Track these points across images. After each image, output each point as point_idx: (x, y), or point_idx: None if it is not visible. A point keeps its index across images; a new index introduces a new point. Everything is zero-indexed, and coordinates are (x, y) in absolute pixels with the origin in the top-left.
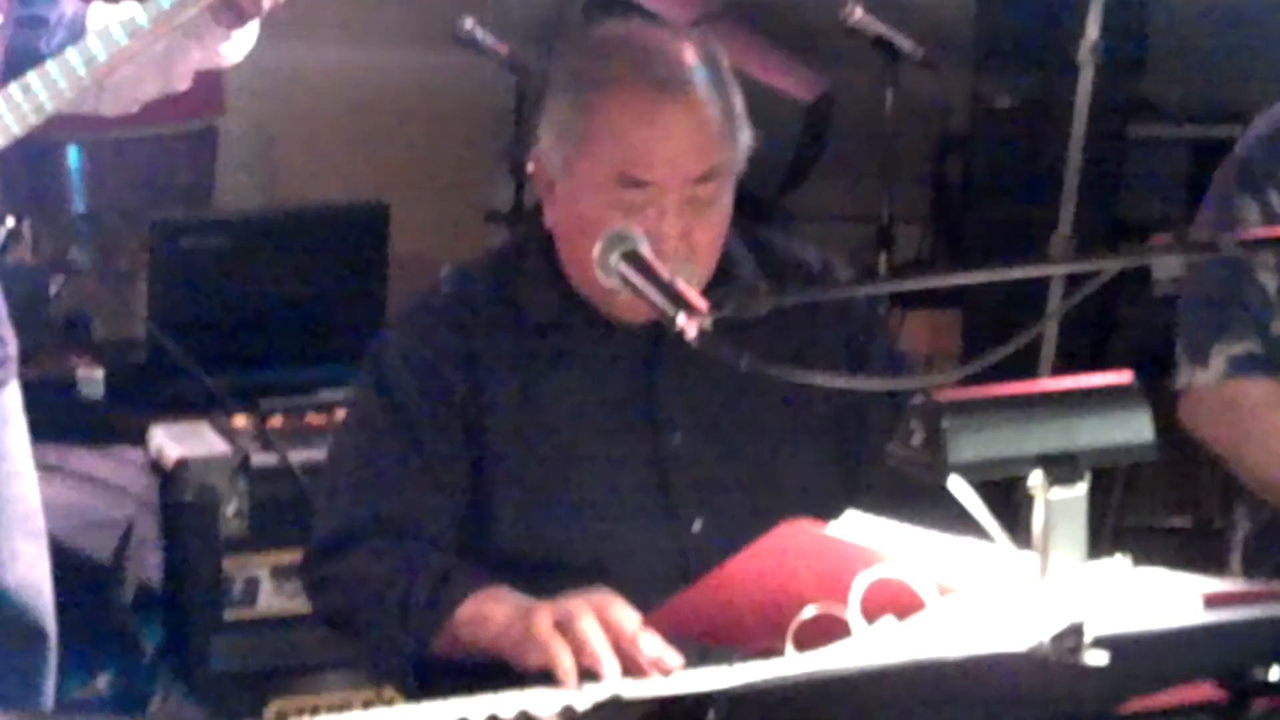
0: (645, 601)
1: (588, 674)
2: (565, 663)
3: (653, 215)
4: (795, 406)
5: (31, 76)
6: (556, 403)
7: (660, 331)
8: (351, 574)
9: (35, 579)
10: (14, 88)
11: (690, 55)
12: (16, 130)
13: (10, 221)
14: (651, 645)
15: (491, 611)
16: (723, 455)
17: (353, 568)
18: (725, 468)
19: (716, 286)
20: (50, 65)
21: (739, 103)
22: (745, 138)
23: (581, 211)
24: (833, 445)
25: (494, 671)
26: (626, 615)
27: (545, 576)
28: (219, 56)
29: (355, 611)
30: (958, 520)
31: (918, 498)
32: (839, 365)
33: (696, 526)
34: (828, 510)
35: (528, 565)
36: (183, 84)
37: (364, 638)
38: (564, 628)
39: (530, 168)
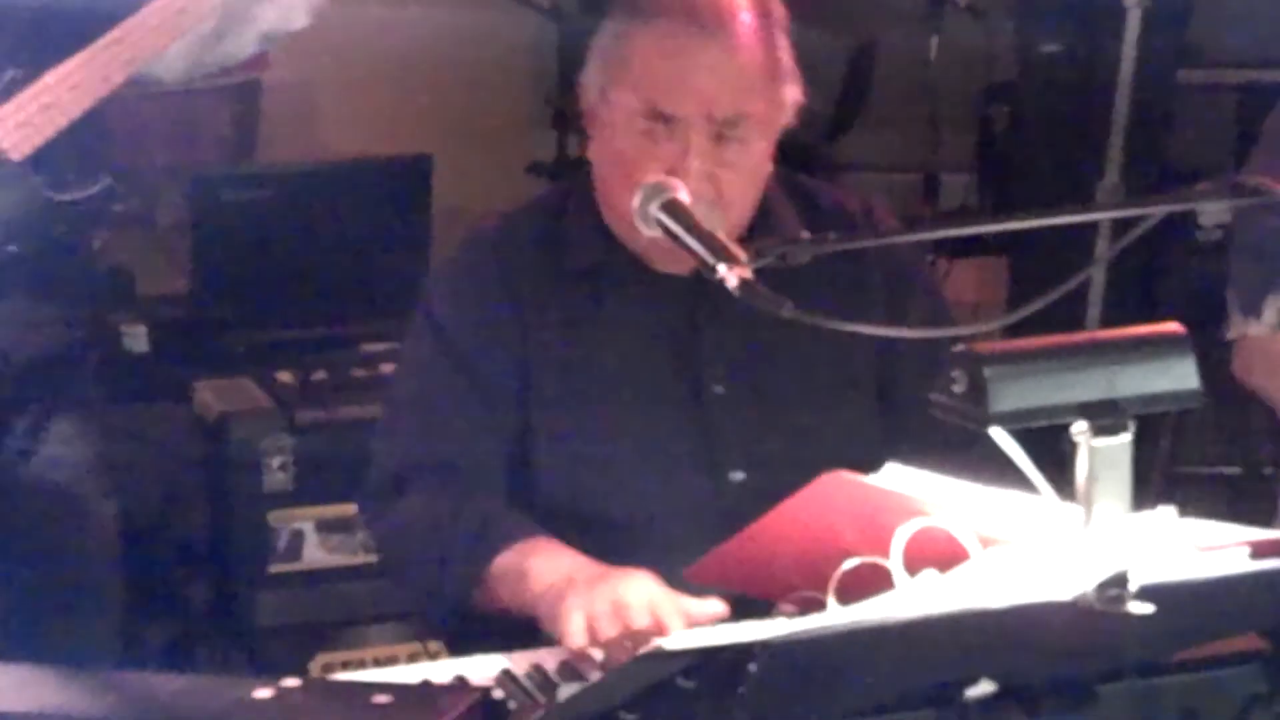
0: (685, 551)
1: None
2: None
3: (676, 151)
4: (836, 356)
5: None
6: (599, 350)
7: (703, 282)
8: (402, 522)
9: None
10: (101, 44)
11: (739, 0)
12: (102, 89)
13: (105, 180)
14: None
15: (532, 570)
16: (764, 406)
17: (403, 515)
18: (766, 418)
19: (756, 236)
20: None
21: (786, 57)
22: (791, 93)
23: (614, 142)
24: (873, 394)
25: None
26: (667, 610)
27: (585, 524)
28: (290, 19)
29: (404, 556)
30: (1001, 469)
31: (958, 446)
32: (879, 311)
33: (737, 477)
34: (868, 459)
35: (568, 512)
36: (248, 50)
37: (412, 583)
38: (593, 620)
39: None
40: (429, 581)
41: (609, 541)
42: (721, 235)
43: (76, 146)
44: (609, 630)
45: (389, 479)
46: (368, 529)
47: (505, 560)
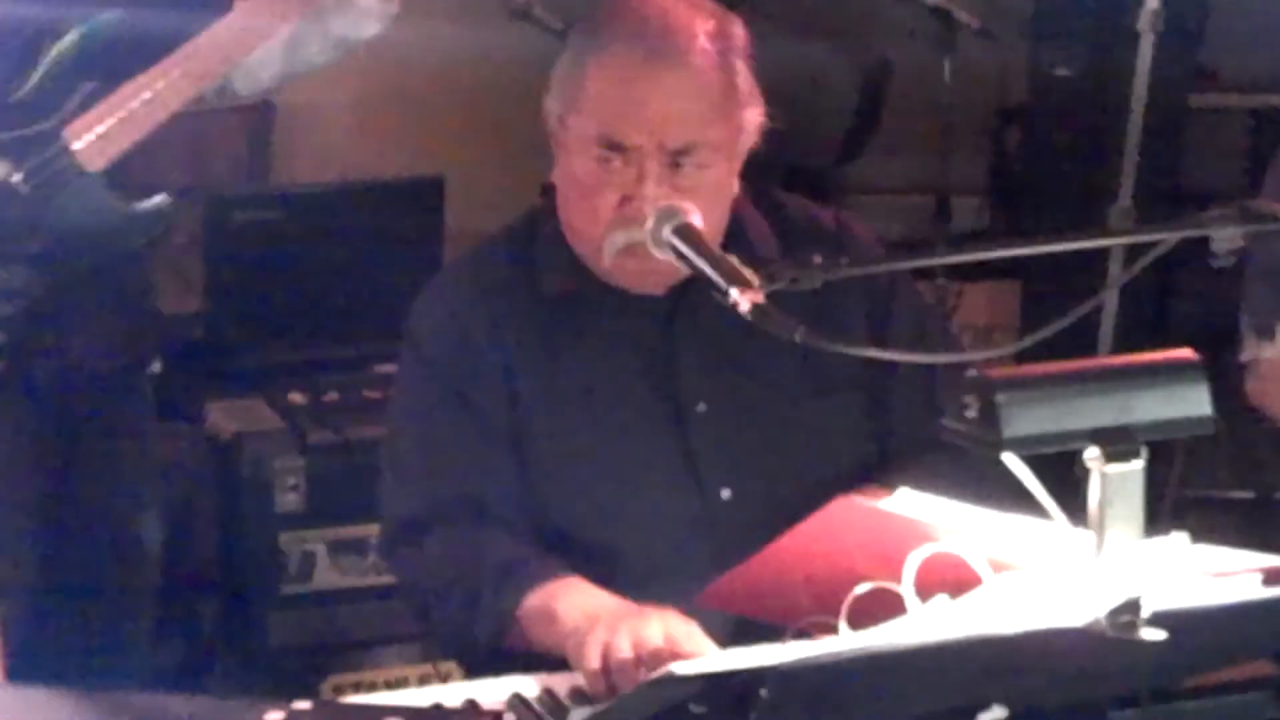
0: (677, 573)
1: None
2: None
3: (632, 178)
4: (817, 370)
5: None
6: (580, 376)
7: (676, 301)
8: (425, 563)
9: None
10: (175, 58)
11: (696, 25)
12: (176, 102)
13: (162, 197)
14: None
15: (559, 610)
16: (747, 423)
17: (426, 558)
18: (750, 435)
19: (729, 254)
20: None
21: (745, 81)
22: (752, 116)
23: (572, 168)
24: (858, 403)
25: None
26: (685, 646)
27: (577, 550)
28: (362, 27)
29: (429, 600)
30: (1000, 487)
31: (955, 458)
32: (861, 319)
33: (725, 494)
34: (856, 469)
35: (560, 539)
36: (320, 59)
37: (444, 631)
38: (608, 650)
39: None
40: (460, 625)
41: (601, 566)
42: (733, 259)
43: (143, 160)
44: (624, 659)
45: (406, 525)
46: (386, 562)
47: (533, 601)
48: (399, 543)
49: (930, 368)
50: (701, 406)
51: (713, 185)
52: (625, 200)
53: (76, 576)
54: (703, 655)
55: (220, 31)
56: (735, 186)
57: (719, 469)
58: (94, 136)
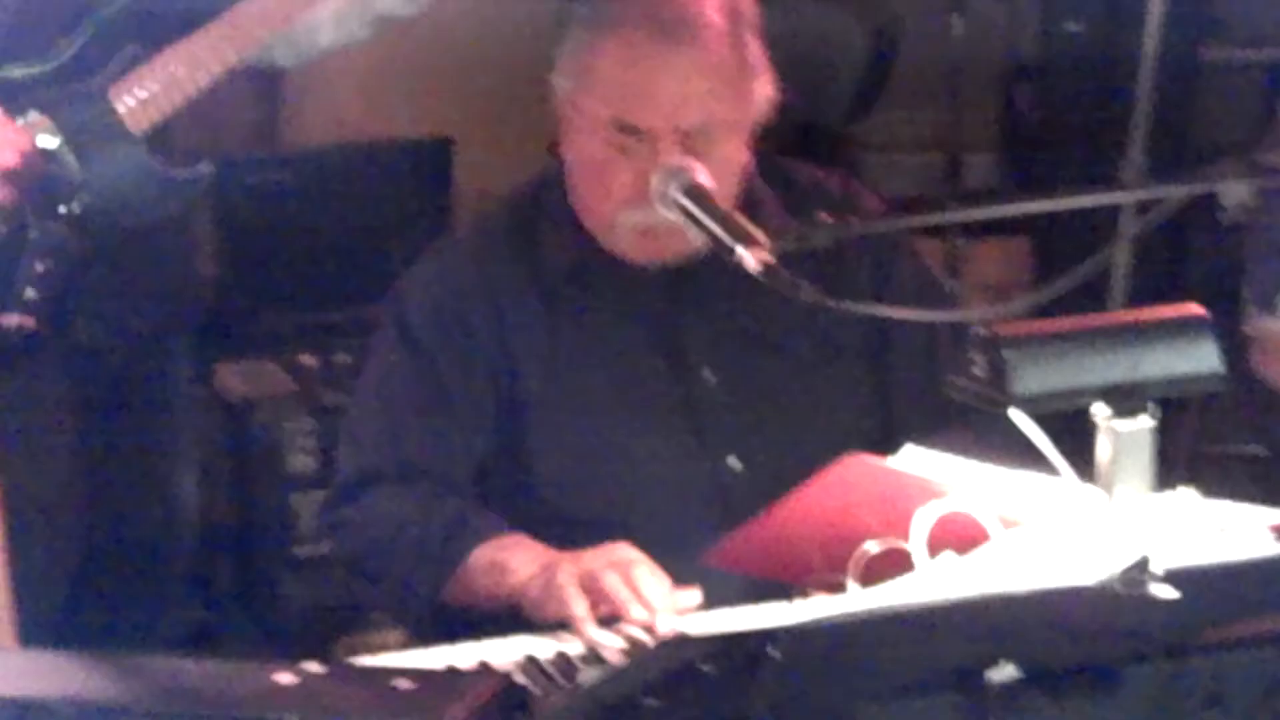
0: (688, 542)
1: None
2: (580, 610)
3: (646, 158)
4: (822, 334)
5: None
6: (586, 350)
7: (683, 272)
8: (368, 517)
9: None
10: (219, 24)
11: (706, 2)
12: (219, 69)
13: (205, 164)
14: (667, 621)
15: (511, 562)
16: (754, 391)
17: (370, 510)
18: (757, 403)
19: None
20: None
21: (756, 55)
22: (762, 89)
23: (581, 148)
24: (864, 373)
25: (507, 626)
26: (649, 577)
27: (587, 524)
28: (407, 4)
29: (371, 555)
30: (1011, 445)
31: (962, 421)
32: (864, 282)
33: (734, 464)
34: (864, 435)
35: (566, 513)
36: (364, 32)
37: (379, 581)
38: (588, 583)
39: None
40: (399, 578)
41: (611, 539)
42: (741, 218)
43: (186, 127)
44: (602, 575)
45: (354, 480)
46: (328, 529)
47: (481, 554)
48: (340, 504)
49: (932, 333)
50: (708, 375)
51: (726, 160)
52: (638, 179)
53: (112, 537)
54: (649, 586)
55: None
56: (747, 159)
57: (727, 438)
58: (138, 100)
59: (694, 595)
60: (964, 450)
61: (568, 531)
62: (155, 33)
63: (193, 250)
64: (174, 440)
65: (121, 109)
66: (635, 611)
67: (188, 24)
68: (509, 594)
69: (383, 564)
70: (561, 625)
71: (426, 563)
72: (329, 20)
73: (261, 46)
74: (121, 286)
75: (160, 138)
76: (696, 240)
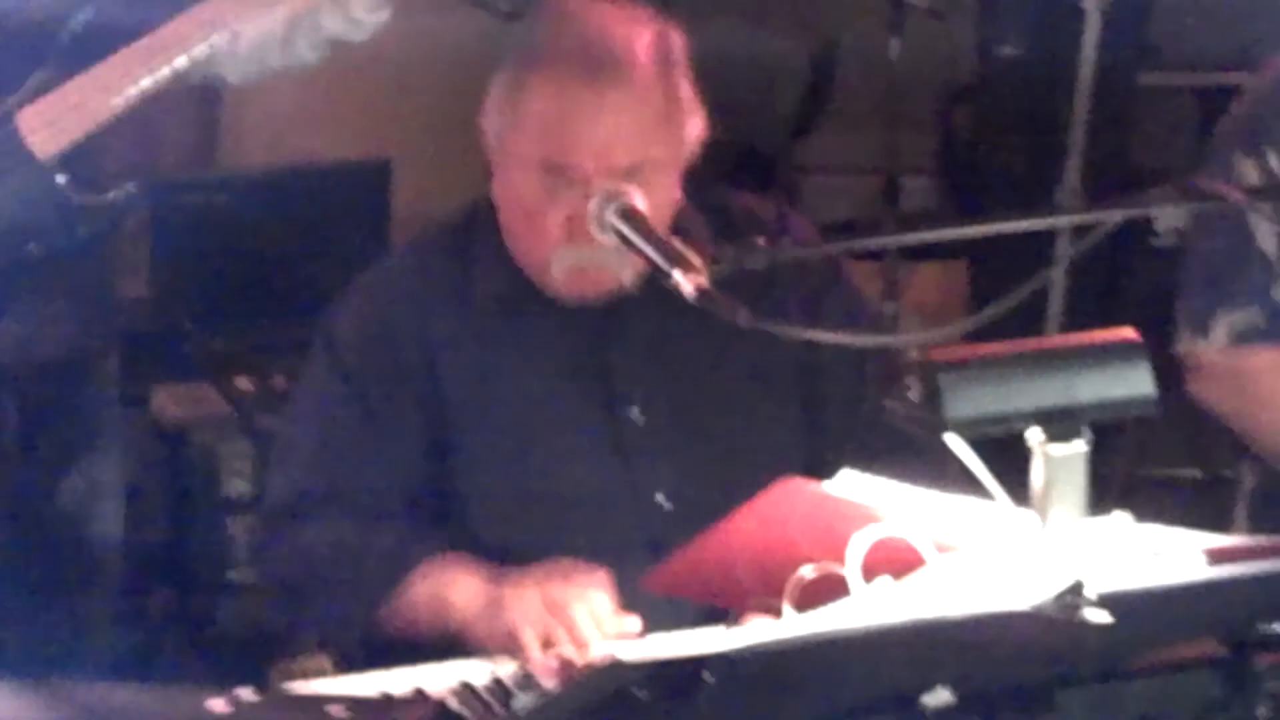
0: (617, 577)
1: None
2: (535, 653)
3: (577, 199)
4: (753, 372)
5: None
6: (513, 380)
7: (612, 310)
8: (299, 545)
9: None
10: (133, 49)
11: (636, 41)
12: (133, 93)
13: (122, 190)
14: (600, 647)
15: (451, 596)
16: (683, 429)
17: (301, 539)
18: (686, 441)
19: None
20: None
21: (687, 93)
22: (694, 127)
23: (512, 188)
24: (795, 406)
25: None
26: (596, 602)
27: (513, 558)
28: (360, 27)
29: (304, 583)
30: (941, 481)
31: (893, 457)
32: (793, 314)
33: (662, 504)
34: (793, 473)
35: (495, 543)
36: (312, 55)
37: (310, 610)
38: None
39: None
40: (332, 608)
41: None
42: (676, 242)
43: (103, 151)
44: (562, 624)
45: (283, 507)
46: (256, 555)
47: (421, 586)
48: (268, 531)
49: (863, 363)
50: (636, 414)
51: (657, 199)
52: (571, 220)
53: (33, 567)
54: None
55: (181, 23)
56: (678, 195)
57: (655, 476)
58: (46, 124)
59: (634, 623)
60: (898, 477)
61: (498, 560)
62: (66, 58)
63: (110, 274)
64: (99, 463)
65: (28, 134)
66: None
67: (101, 49)
68: (452, 629)
69: (314, 593)
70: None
71: (360, 593)
72: (276, 42)
73: (178, 69)
74: (32, 313)
75: (79, 161)
76: (627, 277)
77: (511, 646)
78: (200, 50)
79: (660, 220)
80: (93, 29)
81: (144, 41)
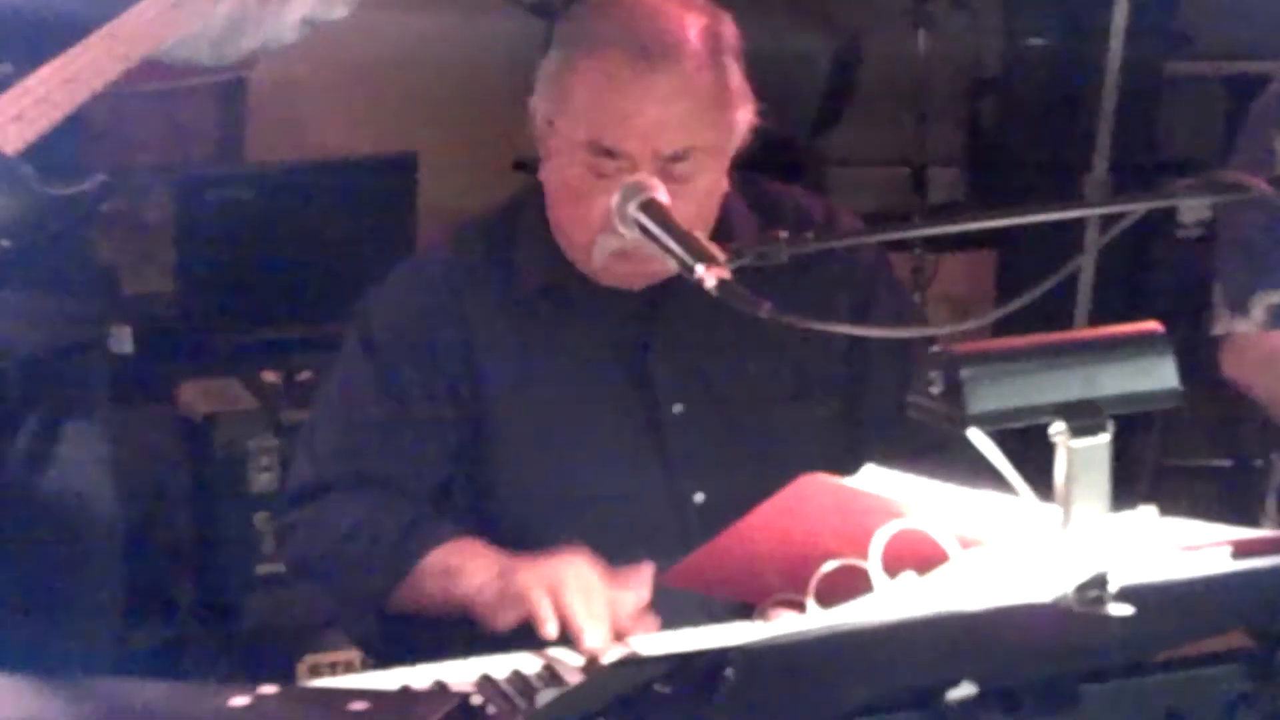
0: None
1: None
2: (545, 611)
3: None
4: (796, 368)
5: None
6: (553, 374)
7: (655, 300)
8: (320, 521)
9: None
10: (96, 38)
11: (688, 25)
12: (97, 83)
13: (100, 176)
14: (595, 636)
15: (465, 566)
16: (724, 425)
17: (322, 515)
18: (726, 438)
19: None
20: None
21: (738, 81)
22: (743, 116)
23: (559, 171)
24: (836, 404)
25: (457, 636)
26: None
27: (542, 546)
28: (332, 6)
29: (321, 559)
30: (977, 472)
31: (930, 452)
32: (843, 318)
33: (698, 498)
34: (833, 471)
35: (524, 534)
36: (288, 35)
37: (329, 586)
38: (546, 588)
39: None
40: (350, 583)
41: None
42: (699, 236)
43: (72, 141)
44: (572, 598)
45: (307, 486)
46: (280, 535)
47: (434, 559)
48: (292, 509)
49: (908, 366)
50: (678, 408)
51: (704, 187)
52: (609, 206)
53: (34, 562)
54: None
55: (146, 10)
56: (725, 185)
57: (693, 472)
58: (10, 119)
59: (651, 623)
60: (939, 476)
61: (524, 552)
62: (29, 51)
63: (92, 264)
64: (91, 459)
65: None
66: (589, 637)
67: (63, 41)
68: (461, 599)
69: (333, 569)
70: (511, 636)
71: (377, 566)
72: (251, 24)
73: (178, 45)
74: (13, 307)
75: (45, 152)
76: (673, 263)
77: (520, 612)
78: (169, 37)
79: (708, 208)
80: (54, 19)
81: (108, 29)
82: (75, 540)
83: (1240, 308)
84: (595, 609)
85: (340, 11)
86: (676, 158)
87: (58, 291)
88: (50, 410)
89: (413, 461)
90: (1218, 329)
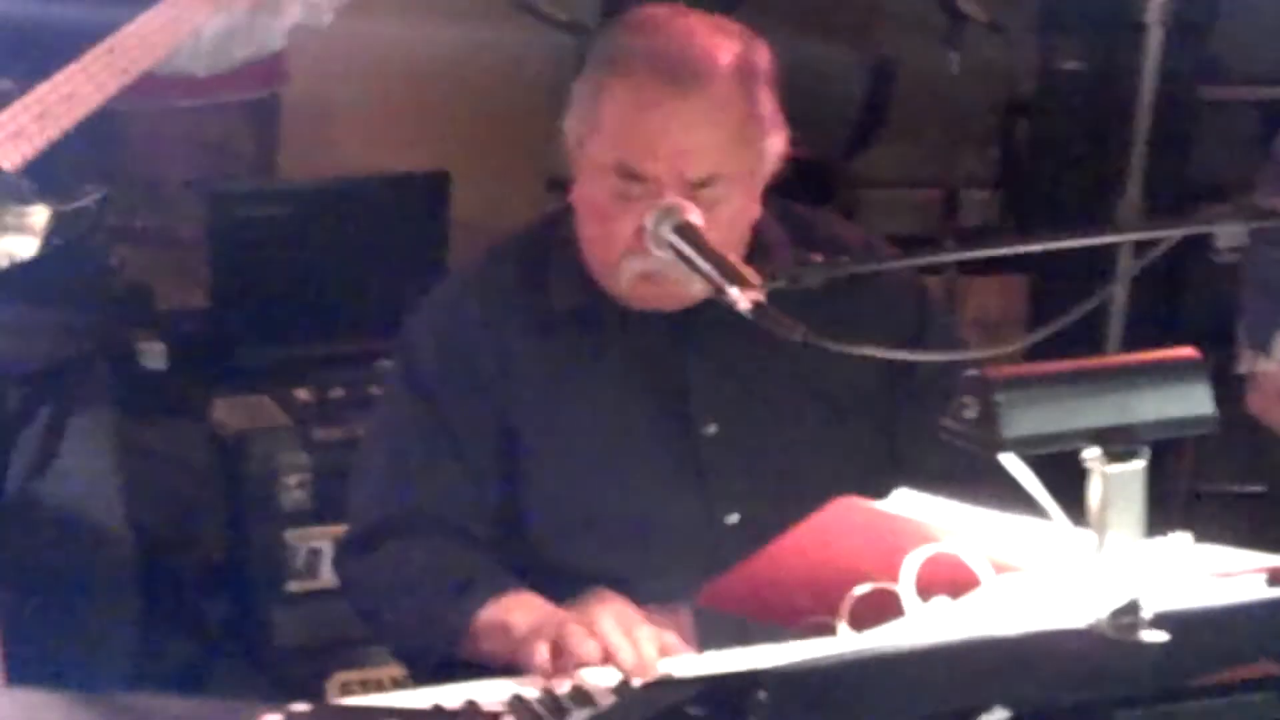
0: (680, 598)
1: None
2: (576, 639)
3: (650, 207)
4: (830, 394)
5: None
6: (586, 395)
7: (688, 320)
8: (378, 573)
9: None
10: (95, 54)
11: (720, 50)
12: (96, 98)
13: (97, 191)
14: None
15: (513, 620)
16: (757, 445)
17: (379, 566)
18: (760, 458)
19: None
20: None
21: (769, 109)
22: (774, 144)
23: (588, 193)
24: (873, 427)
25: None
26: (644, 634)
27: (577, 572)
28: (320, 13)
29: (381, 613)
30: (1013, 496)
31: (968, 477)
32: (888, 367)
33: (732, 519)
34: (868, 494)
35: (560, 561)
36: (278, 43)
37: (389, 641)
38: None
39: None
40: (412, 634)
41: (597, 586)
42: (733, 258)
43: (74, 156)
44: (576, 648)
45: (363, 535)
46: (339, 574)
47: (488, 614)
48: (354, 551)
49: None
50: (712, 428)
51: (731, 214)
52: (643, 228)
53: (47, 574)
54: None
55: (141, 26)
56: (756, 211)
57: (727, 493)
58: (8, 135)
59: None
60: (973, 501)
61: (558, 580)
62: (28, 67)
63: (94, 278)
64: (100, 469)
65: None
66: (624, 655)
67: (63, 57)
68: (510, 652)
69: (396, 619)
70: None
71: (439, 622)
72: (240, 33)
73: (173, 57)
74: (13, 321)
75: (47, 167)
76: (696, 289)
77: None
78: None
79: (735, 235)
80: (53, 36)
81: (107, 45)
82: (102, 555)
83: (1262, 346)
84: (631, 633)
85: (328, 19)
86: (703, 183)
87: (66, 303)
88: (66, 424)
89: (465, 495)
90: (1241, 367)
